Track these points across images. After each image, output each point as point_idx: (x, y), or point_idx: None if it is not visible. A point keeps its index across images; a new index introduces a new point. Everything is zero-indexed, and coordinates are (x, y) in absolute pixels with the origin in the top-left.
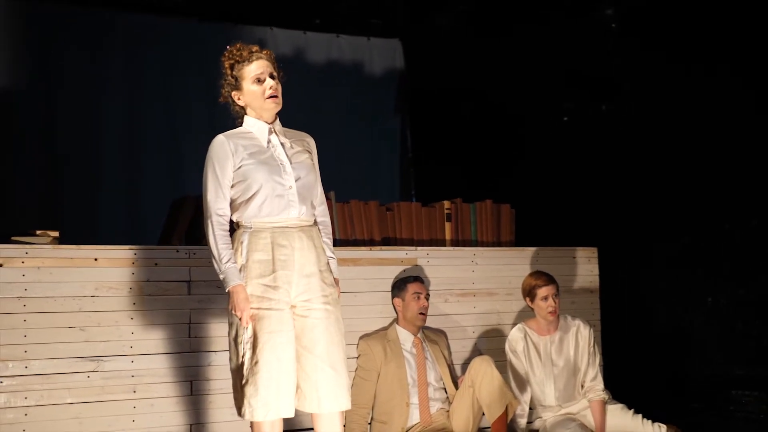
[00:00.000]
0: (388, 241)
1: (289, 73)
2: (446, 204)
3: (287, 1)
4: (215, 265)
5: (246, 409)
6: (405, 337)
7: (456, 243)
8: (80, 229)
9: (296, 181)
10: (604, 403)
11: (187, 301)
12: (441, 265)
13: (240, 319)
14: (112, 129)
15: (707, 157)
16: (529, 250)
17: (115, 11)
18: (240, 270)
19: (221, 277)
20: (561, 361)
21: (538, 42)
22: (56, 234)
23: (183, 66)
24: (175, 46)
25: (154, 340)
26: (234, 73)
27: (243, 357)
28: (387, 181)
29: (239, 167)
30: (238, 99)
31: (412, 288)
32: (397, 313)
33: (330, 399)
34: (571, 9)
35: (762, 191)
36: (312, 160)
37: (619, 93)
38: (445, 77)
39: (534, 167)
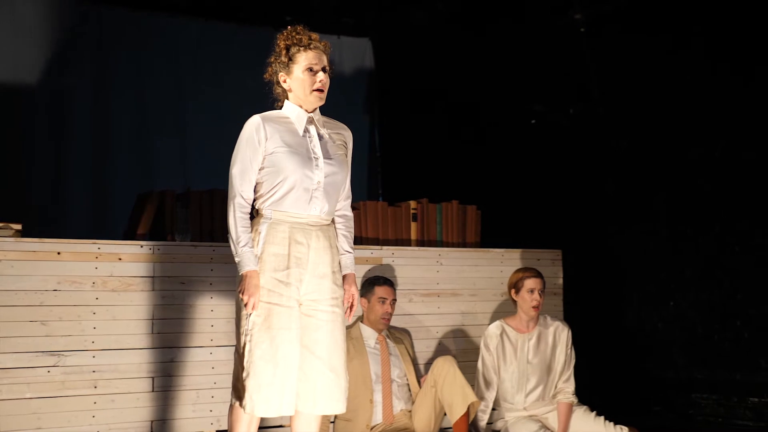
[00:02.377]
0: (353, 240)
1: (258, 70)
2: (412, 204)
3: None
4: (232, 247)
5: (247, 402)
6: (369, 334)
7: (421, 243)
8: (44, 223)
9: (325, 177)
10: (572, 407)
11: (151, 297)
12: (406, 264)
13: (246, 304)
14: (79, 122)
15: (673, 162)
16: (495, 252)
17: (88, 6)
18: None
19: (236, 259)
20: (536, 359)
21: (507, 44)
22: (19, 227)
23: (153, 60)
24: (146, 40)
25: (117, 335)
26: (289, 54)
27: (244, 348)
28: (354, 180)
29: (271, 153)
30: (284, 81)
31: (379, 291)
32: (362, 311)
33: (326, 401)
34: (541, 12)
35: (725, 198)
36: (346, 155)
37: (587, 96)
38: (415, 77)
39: (501, 169)
